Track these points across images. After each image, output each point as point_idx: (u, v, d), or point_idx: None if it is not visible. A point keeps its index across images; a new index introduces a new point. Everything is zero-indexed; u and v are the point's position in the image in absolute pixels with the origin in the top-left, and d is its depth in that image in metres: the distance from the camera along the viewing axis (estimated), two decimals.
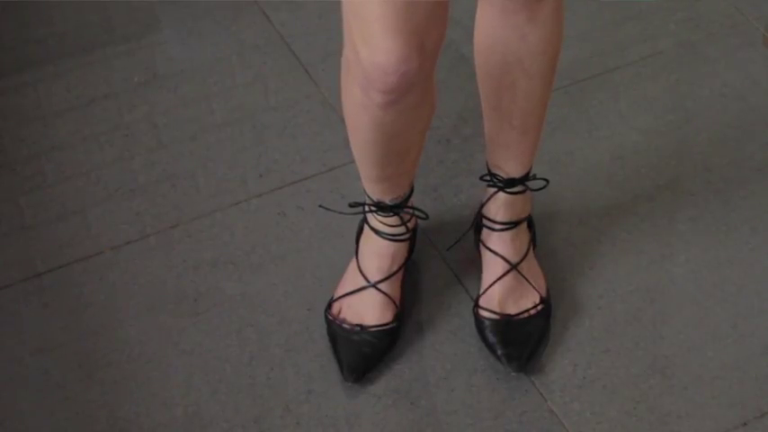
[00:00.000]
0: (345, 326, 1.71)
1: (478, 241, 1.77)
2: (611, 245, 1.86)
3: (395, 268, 1.72)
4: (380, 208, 1.67)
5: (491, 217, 1.72)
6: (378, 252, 1.71)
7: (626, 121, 2.05)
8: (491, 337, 1.70)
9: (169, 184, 1.98)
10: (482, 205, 1.74)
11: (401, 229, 1.71)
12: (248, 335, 1.77)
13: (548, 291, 1.75)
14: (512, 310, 1.71)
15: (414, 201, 1.72)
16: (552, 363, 1.72)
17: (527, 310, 1.72)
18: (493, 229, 1.73)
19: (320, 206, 1.85)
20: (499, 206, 1.71)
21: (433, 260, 1.84)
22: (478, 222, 1.76)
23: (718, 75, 2.12)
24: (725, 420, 1.65)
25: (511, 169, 1.68)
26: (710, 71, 2.12)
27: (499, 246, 1.72)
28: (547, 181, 1.74)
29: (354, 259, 1.74)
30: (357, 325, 1.70)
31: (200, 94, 2.13)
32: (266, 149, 2.02)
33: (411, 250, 1.77)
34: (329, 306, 1.74)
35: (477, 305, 1.73)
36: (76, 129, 2.07)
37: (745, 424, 1.64)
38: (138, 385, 1.72)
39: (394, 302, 1.72)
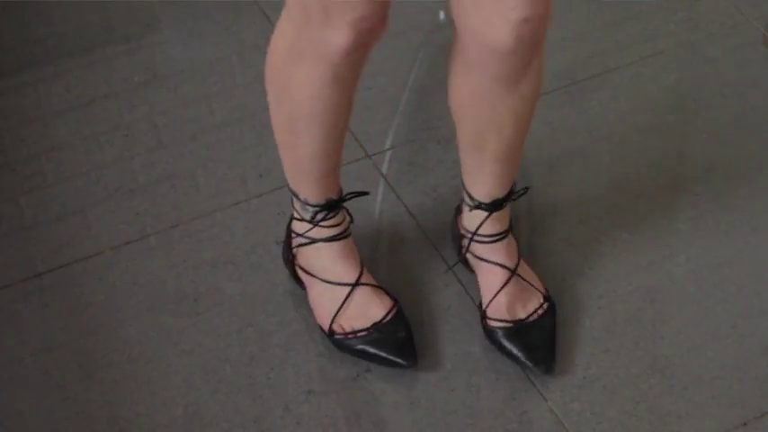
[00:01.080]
0: (361, 333, 1.70)
1: (461, 251, 1.75)
2: (611, 245, 1.86)
3: (358, 257, 1.72)
4: (330, 206, 1.66)
5: (482, 233, 1.70)
6: (339, 255, 1.70)
7: (626, 121, 2.05)
8: (508, 345, 1.69)
9: (169, 184, 1.98)
10: (459, 221, 1.72)
11: (345, 223, 1.70)
12: (248, 335, 1.77)
13: (546, 287, 1.75)
14: (521, 314, 1.71)
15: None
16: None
17: (535, 311, 1.71)
18: (486, 243, 1.71)
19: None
20: (489, 223, 1.69)
21: (433, 260, 1.84)
22: (455, 232, 1.75)
23: (719, 75, 2.12)
24: (725, 420, 1.65)
25: (495, 193, 1.66)
26: (710, 71, 2.13)
27: (495, 255, 1.71)
28: (527, 188, 1.73)
29: (315, 283, 1.73)
30: (371, 326, 1.70)
31: (200, 94, 2.13)
32: (266, 149, 2.02)
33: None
34: (331, 333, 1.72)
35: (485, 317, 1.71)
36: (76, 129, 2.07)
37: (745, 424, 1.64)
38: (138, 385, 1.72)
39: (381, 288, 1.71)
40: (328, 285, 1.71)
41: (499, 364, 1.71)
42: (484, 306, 1.72)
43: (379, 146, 2.02)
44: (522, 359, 1.68)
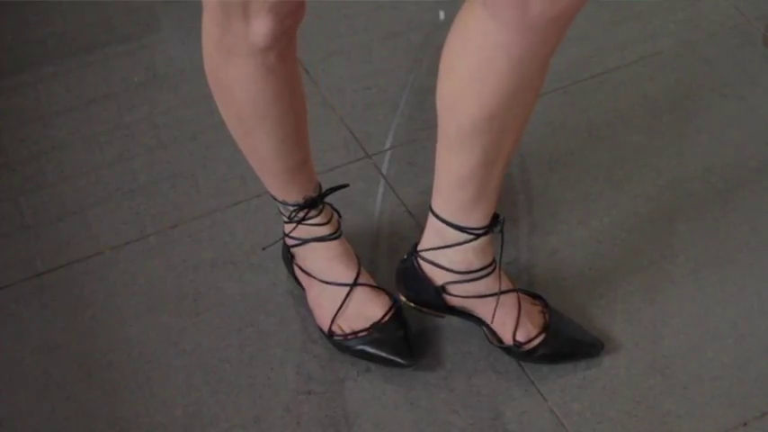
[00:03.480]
0: (362, 334, 1.70)
1: (449, 300, 1.65)
2: (611, 245, 1.86)
3: (354, 257, 1.71)
4: (309, 204, 1.64)
5: (477, 267, 1.61)
6: (334, 255, 1.70)
7: (626, 121, 2.05)
8: (544, 355, 1.68)
9: (169, 184, 1.98)
10: (436, 267, 1.62)
11: (335, 222, 1.69)
12: (248, 335, 1.77)
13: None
14: (540, 322, 1.69)
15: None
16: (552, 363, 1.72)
17: (543, 314, 1.70)
18: (485, 276, 1.63)
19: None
20: (482, 251, 1.60)
21: None
22: (436, 287, 1.64)
23: (719, 75, 2.12)
24: (725, 420, 1.65)
25: (485, 220, 1.57)
26: (710, 71, 2.13)
27: (498, 284, 1.63)
28: (503, 218, 1.61)
29: (313, 284, 1.72)
30: (371, 326, 1.69)
31: (200, 94, 2.12)
32: None
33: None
34: (330, 333, 1.71)
35: (516, 344, 1.66)
36: (76, 129, 2.07)
37: (744, 424, 1.64)
38: (138, 385, 1.72)
39: (380, 287, 1.71)
40: (326, 286, 1.71)
41: (499, 365, 1.71)
42: (512, 338, 1.66)
43: (379, 146, 2.02)
44: (568, 358, 1.69)
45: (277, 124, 1.53)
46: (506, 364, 1.71)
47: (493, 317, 1.65)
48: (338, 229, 1.71)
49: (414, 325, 1.73)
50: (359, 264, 1.72)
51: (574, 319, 1.74)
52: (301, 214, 1.66)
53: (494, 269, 1.63)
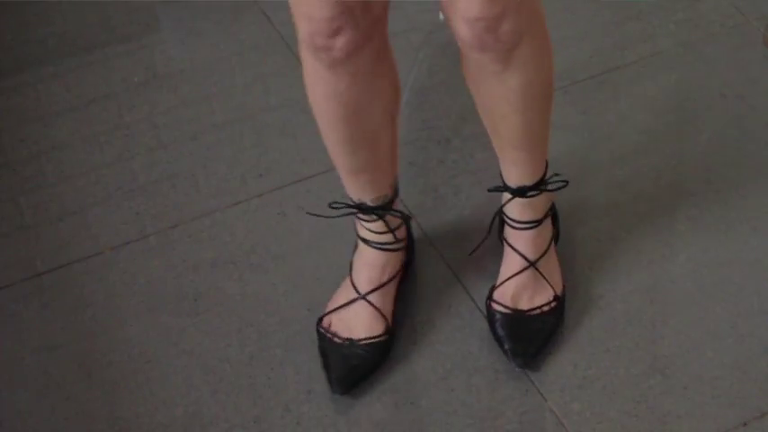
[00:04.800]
0: (336, 339, 1.70)
1: (502, 234, 1.76)
2: (611, 245, 1.86)
3: (385, 279, 1.71)
4: (362, 209, 1.66)
5: (511, 216, 1.72)
6: (367, 262, 1.71)
7: (626, 121, 2.05)
8: (500, 331, 1.70)
9: (169, 184, 1.98)
10: (503, 204, 1.73)
11: (388, 237, 1.70)
12: (248, 335, 1.77)
13: (564, 288, 1.75)
14: (524, 305, 1.71)
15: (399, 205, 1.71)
16: (552, 363, 1.72)
17: (540, 307, 1.72)
18: (513, 227, 1.72)
19: (308, 213, 1.83)
20: (518, 208, 1.71)
21: (433, 260, 1.84)
22: (501, 217, 1.76)
23: (719, 75, 2.12)
24: (725, 420, 1.65)
25: (522, 180, 1.67)
26: (710, 71, 2.12)
27: (519, 243, 1.72)
28: (566, 182, 1.73)
29: (349, 274, 1.74)
30: (347, 339, 1.70)
31: (200, 94, 2.13)
32: (266, 149, 2.02)
33: (407, 262, 1.77)
34: (320, 320, 1.73)
35: (490, 297, 1.73)
36: (76, 129, 2.07)
37: (744, 424, 1.64)
38: (138, 385, 1.72)
39: (384, 316, 1.70)
40: (346, 283, 1.73)
41: (499, 365, 1.71)
42: (494, 286, 1.73)
43: None
44: (505, 347, 1.70)
45: (357, 132, 1.59)
46: (506, 364, 1.71)
47: (503, 261, 1.75)
48: (385, 243, 1.70)
49: (414, 325, 1.73)
50: (383, 282, 1.71)
51: (573, 319, 1.74)
52: (353, 211, 1.68)
53: (524, 228, 1.71)
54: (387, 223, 1.68)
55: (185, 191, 1.97)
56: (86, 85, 2.15)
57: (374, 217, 1.67)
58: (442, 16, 2.26)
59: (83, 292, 1.83)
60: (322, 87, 1.51)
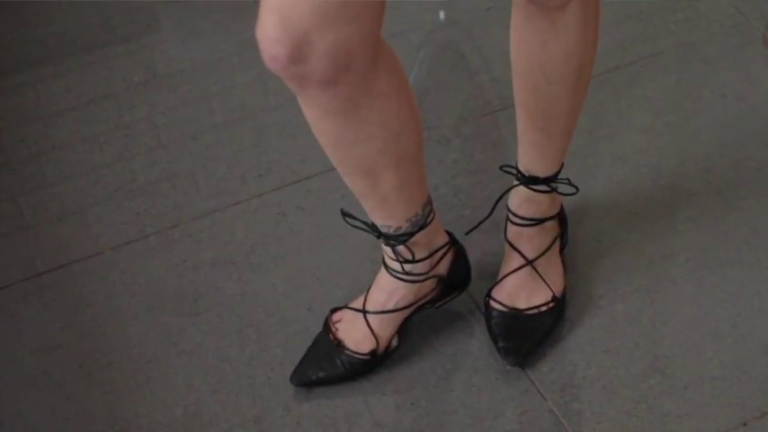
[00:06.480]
0: (330, 336, 1.70)
1: (506, 235, 1.75)
2: (611, 245, 1.86)
3: (389, 306, 1.66)
4: (372, 228, 1.60)
5: (513, 210, 1.71)
6: (377, 280, 1.67)
7: (626, 121, 2.05)
8: (495, 329, 1.70)
9: (169, 184, 1.98)
10: (508, 189, 1.71)
11: (397, 266, 1.63)
12: (248, 335, 1.77)
13: (564, 291, 1.75)
14: (522, 304, 1.71)
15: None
16: (552, 363, 1.72)
17: (537, 307, 1.71)
18: (514, 223, 1.71)
19: (343, 212, 1.70)
20: (521, 200, 1.70)
21: None
22: (506, 215, 1.74)
23: (719, 75, 2.12)
24: (725, 420, 1.65)
25: (535, 168, 1.66)
26: (710, 71, 2.13)
27: (517, 240, 1.72)
28: (576, 189, 1.71)
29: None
30: (338, 342, 1.69)
31: (200, 94, 2.13)
32: (266, 149, 2.02)
33: (432, 300, 1.69)
34: (334, 311, 1.71)
35: (488, 295, 1.72)
36: (76, 129, 2.07)
37: (744, 424, 1.64)
38: (138, 385, 1.72)
39: (376, 339, 1.67)
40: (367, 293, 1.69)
41: (499, 365, 1.71)
42: (494, 283, 1.73)
43: None
44: (498, 345, 1.69)
45: (350, 165, 1.51)
46: (506, 364, 1.71)
47: (503, 258, 1.74)
48: (396, 271, 1.63)
49: (414, 325, 1.73)
50: (387, 309, 1.66)
51: (572, 319, 1.74)
52: (361, 224, 1.61)
53: (525, 225, 1.70)
54: (396, 252, 1.61)
55: (185, 191, 1.97)
56: (86, 85, 2.15)
57: (383, 240, 1.61)
58: (442, 16, 2.26)
59: (83, 292, 1.83)
60: (308, 114, 1.45)
